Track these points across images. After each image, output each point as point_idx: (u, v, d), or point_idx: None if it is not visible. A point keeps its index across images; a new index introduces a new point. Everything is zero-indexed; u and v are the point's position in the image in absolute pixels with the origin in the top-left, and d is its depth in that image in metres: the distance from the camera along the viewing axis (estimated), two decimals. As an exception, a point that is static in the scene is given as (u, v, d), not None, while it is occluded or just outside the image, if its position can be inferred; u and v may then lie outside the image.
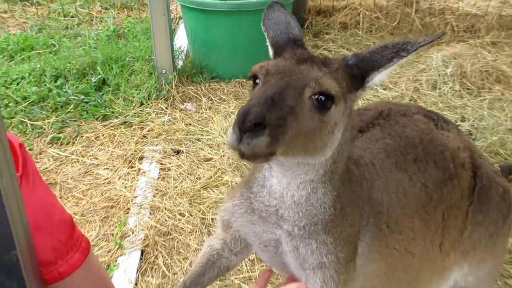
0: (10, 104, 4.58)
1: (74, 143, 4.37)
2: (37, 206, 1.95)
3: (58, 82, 4.85)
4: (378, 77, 1.58)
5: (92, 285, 2.08)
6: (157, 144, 4.35)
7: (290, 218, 1.71)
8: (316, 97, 1.46)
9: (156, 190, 3.90)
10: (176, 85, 4.93)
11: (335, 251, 1.73)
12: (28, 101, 4.65)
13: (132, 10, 6.36)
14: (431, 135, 2.16)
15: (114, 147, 4.33)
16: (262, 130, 1.35)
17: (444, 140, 2.17)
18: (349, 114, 1.62)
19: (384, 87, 5.02)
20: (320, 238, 1.71)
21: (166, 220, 3.64)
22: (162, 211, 3.71)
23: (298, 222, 1.70)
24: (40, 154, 4.20)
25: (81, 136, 4.43)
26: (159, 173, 4.07)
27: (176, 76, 4.95)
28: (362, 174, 1.89)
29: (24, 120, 4.48)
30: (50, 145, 4.33)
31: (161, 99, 4.83)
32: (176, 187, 3.89)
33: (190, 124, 4.50)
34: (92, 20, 6.14)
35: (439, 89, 5.00)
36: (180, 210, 3.72)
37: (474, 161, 2.22)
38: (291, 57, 1.56)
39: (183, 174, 4.03)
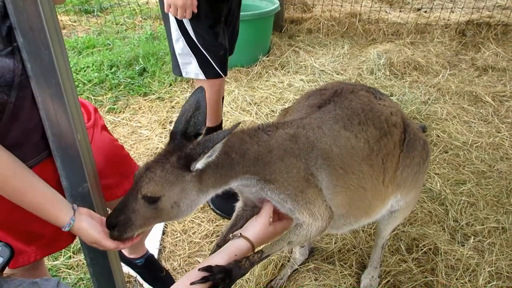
0: (80, 85, 4.52)
1: (124, 112, 4.31)
2: (106, 145, 1.97)
3: (113, 70, 4.79)
4: (200, 163, 1.53)
5: None
6: (181, 112, 4.28)
7: (247, 184, 1.72)
8: (145, 199, 1.52)
9: (182, 143, 3.86)
10: (194, 71, 4.83)
11: (282, 191, 1.71)
12: (92, 83, 4.59)
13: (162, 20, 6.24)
14: (371, 105, 2.12)
15: (152, 114, 4.26)
16: (114, 229, 1.58)
17: (380, 108, 2.14)
18: (196, 185, 1.58)
19: (337, 73, 4.97)
20: (269, 187, 1.70)
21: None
22: (186, 158, 3.68)
23: (252, 184, 1.71)
24: (101, 119, 4.16)
25: (129, 107, 4.36)
26: (184, 132, 4.02)
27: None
28: (306, 134, 1.85)
29: (89, 96, 4.41)
30: (108, 113, 4.26)
31: (184, 81, 4.75)
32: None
33: (204, 98, 4.43)
34: (135, 27, 6.02)
35: (375, 74, 4.94)
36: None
37: (404, 121, 2.20)
38: (154, 159, 1.58)
39: (200, 132, 3.97)
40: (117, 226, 1.57)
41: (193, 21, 2.67)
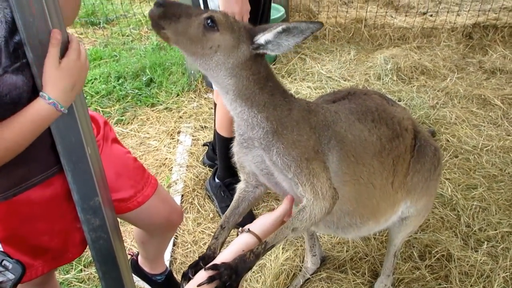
0: (88, 97, 4.54)
1: (132, 123, 4.33)
2: (116, 159, 1.97)
3: (120, 81, 4.81)
4: (263, 38, 1.62)
5: (164, 206, 2.15)
6: (189, 122, 4.30)
7: (253, 134, 1.72)
8: (207, 19, 1.59)
9: (190, 153, 3.87)
10: (201, 81, 4.83)
11: (289, 151, 1.70)
12: (99, 94, 4.61)
13: (168, 30, 6.26)
14: (384, 107, 2.15)
15: (160, 125, 4.28)
16: (161, 7, 1.57)
17: (393, 111, 2.16)
18: (240, 57, 1.64)
19: (344, 79, 4.96)
20: (276, 145, 1.70)
21: (200, 173, 3.61)
22: (195, 168, 3.68)
23: (258, 134, 1.71)
24: (109, 131, 4.18)
25: (137, 118, 4.38)
26: (192, 142, 4.03)
27: (200, 75, 4.85)
28: (324, 113, 1.88)
29: (97, 108, 4.43)
30: (116, 125, 4.28)
31: (191, 91, 4.76)
32: (204, 150, 3.85)
33: (211, 108, 4.43)
34: (141, 38, 6.05)
35: (382, 79, 4.93)
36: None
37: (415, 128, 2.20)
38: None
39: (207, 141, 3.97)
40: (165, 8, 1.58)
41: None
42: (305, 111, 1.81)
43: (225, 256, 1.55)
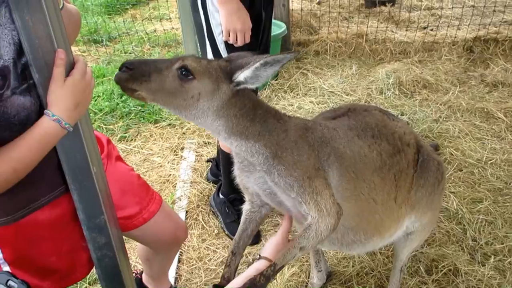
0: (91, 115, 4.50)
1: (135, 139, 4.33)
2: (121, 176, 1.97)
3: (123, 98, 4.81)
4: (242, 75, 1.60)
5: (169, 222, 2.15)
6: (193, 138, 4.31)
7: (253, 160, 1.72)
8: (180, 69, 1.56)
9: (194, 170, 3.86)
10: (204, 97, 4.84)
11: (290, 173, 1.70)
12: (103, 112, 4.62)
13: (170, 47, 6.32)
14: (385, 122, 2.14)
15: (163, 142, 4.28)
16: (128, 71, 1.54)
17: (394, 127, 2.15)
18: (223, 98, 1.63)
19: (346, 93, 4.97)
20: (277, 168, 1.70)
21: (204, 189, 3.61)
22: (199, 184, 3.68)
23: (258, 160, 1.71)
24: (113, 148, 4.18)
25: (140, 135, 4.38)
26: (195, 158, 4.03)
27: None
28: (322, 130, 1.88)
29: (100, 125, 4.45)
30: (119, 141, 4.28)
31: (194, 107, 4.75)
32: (208, 166, 3.85)
33: (215, 124, 4.43)
34: (144, 55, 6.10)
35: (385, 94, 4.94)
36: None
37: (418, 142, 2.20)
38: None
39: (211, 157, 3.97)
40: (132, 70, 1.54)
41: (230, 46, 2.71)
42: (302, 129, 1.81)
43: (236, 282, 1.56)
